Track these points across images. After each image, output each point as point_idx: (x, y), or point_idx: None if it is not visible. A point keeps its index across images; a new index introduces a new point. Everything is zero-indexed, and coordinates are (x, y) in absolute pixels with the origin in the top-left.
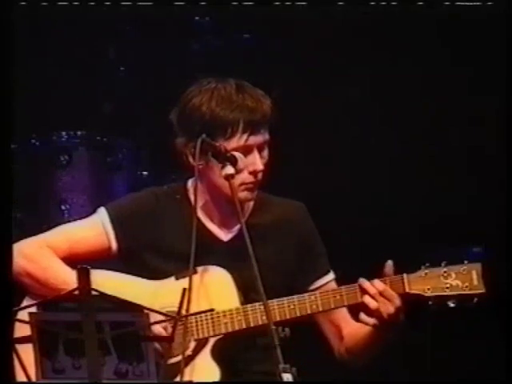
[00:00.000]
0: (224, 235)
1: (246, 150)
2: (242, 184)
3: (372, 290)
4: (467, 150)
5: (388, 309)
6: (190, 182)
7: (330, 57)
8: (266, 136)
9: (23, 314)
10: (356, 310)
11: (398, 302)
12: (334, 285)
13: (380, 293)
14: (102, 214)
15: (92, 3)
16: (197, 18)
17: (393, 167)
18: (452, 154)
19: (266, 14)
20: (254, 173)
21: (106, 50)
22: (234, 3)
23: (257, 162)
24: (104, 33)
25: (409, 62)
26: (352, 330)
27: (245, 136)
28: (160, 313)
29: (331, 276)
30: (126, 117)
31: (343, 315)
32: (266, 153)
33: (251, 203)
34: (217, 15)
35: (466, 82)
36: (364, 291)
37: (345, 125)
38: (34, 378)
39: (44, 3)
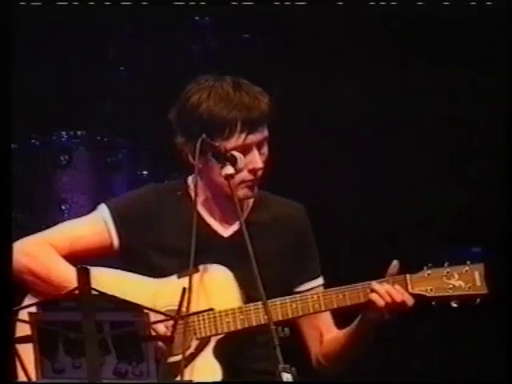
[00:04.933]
0: (225, 231)
1: (245, 149)
2: (241, 182)
3: (382, 292)
4: (467, 149)
5: (392, 309)
6: (190, 179)
7: (330, 56)
8: (265, 133)
9: (23, 314)
10: (340, 317)
11: (405, 304)
12: (321, 290)
13: (388, 293)
14: (103, 210)
15: (92, 3)
16: (197, 18)
17: (393, 167)
18: (452, 153)
19: (266, 14)
20: (253, 171)
21: (106, 50)
22: (234, 3)
23: (256, 160)
24: (104, 33)
25: (409, 62)
26: (332, 336)
27: (243, 135)
28: (160, 312)
29: (320, 281)
30: (126, 117)
31: (327, 321)
32: (265, 149)
33: (251, 200)
34: (217, 15)
35: (467, 82)
36: (376, 294)
37: (345, 124)
38: (34, 378)
39: (44, 3)
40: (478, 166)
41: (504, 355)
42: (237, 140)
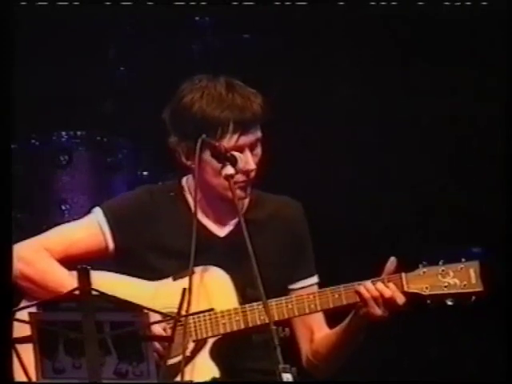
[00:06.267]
0: (220, 231)
1: (238, 150)
2: (234, 183)
3: (366, 295)
4: (467, 149)
5: (376, 311)
6: (184, 180)
7: (330, 56)
8: (258, 134)
9: (23, 314)
10: (332, 317)
11: (393, 306)
12: (315, 288)
13: (374, 297)
14: (98, 213)
15: (92, 3)
16: (197, 18)
17: (392, 167)
18: (451, 153)
19: (266, 14)
20: (246, 172)
21: (107, 49)
22: (234, 3)
23: (249, 161)
24: (104, 33)
25: (409, 62)
26: (323, 335)
27: (235, 136)
28: (160, 313)
29: (315, 279)
30: (126, 117)
31: (318, 319)
32: (258, 150)
33: (246, 200)
34: (217, 15)
35: (467, 82)
36: (360, 296)
37: (345, 124)
38: (34, 378)
39: (44, 3)
40: (477, 165)
41: (504, 355)
42: (229, 141)
